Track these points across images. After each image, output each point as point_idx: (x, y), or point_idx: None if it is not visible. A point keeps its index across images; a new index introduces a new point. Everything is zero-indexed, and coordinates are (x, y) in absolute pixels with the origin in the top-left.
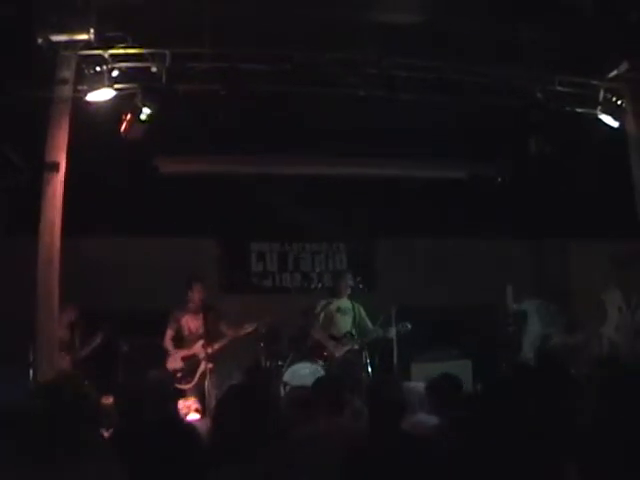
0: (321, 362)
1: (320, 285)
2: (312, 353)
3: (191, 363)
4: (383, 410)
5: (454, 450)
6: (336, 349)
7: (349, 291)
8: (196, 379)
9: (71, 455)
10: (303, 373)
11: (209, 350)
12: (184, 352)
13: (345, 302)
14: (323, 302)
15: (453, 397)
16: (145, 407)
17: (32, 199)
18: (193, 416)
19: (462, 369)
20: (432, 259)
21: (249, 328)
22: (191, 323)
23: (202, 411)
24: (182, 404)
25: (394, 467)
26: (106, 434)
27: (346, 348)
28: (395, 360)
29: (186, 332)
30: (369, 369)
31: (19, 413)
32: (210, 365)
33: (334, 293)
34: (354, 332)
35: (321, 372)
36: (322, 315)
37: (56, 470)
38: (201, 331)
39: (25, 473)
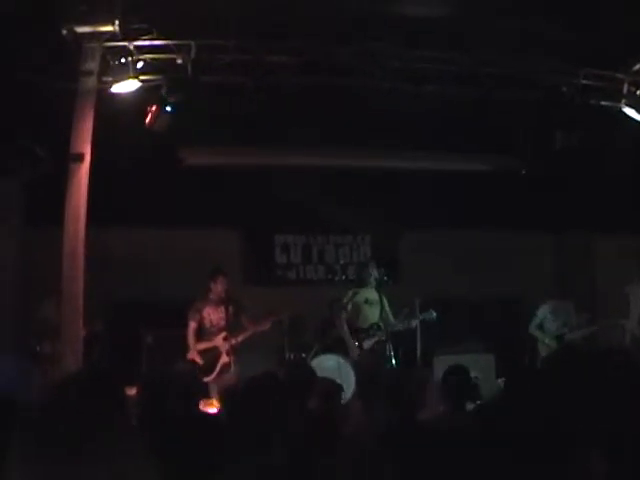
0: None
1: (344, 277)
2: (338, 345)
3: (211, 356)
4: (401, 402)
5: (472, 440)
6: (364, 341)
7: (375, 282)
8: (216, 372)
9: (102, 448)
10: (327, 365)
11: (232, 342)
12: (204, 344)
13: (372, 293)
14: (351, 292)
15: (464, 388)
16: (169, 400)
17: (54, 190)
18: (211, 410)
19: (485, 363)
20: (456, 252)
21: (270, 322)
22: (213, 315)
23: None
24: (203, 403)
25: (412, 459)
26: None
27: (374, 340)
28: (418, 352)
29: (207, 324)
30: (393, 361)
31: (44, 407)
32: (231, 358)
33: (360, 283)
34: (381, 324)
35: (346, 364)
36: (349, 306)
37: (88, 464)
38: (223, 323)
39: (55, 468)
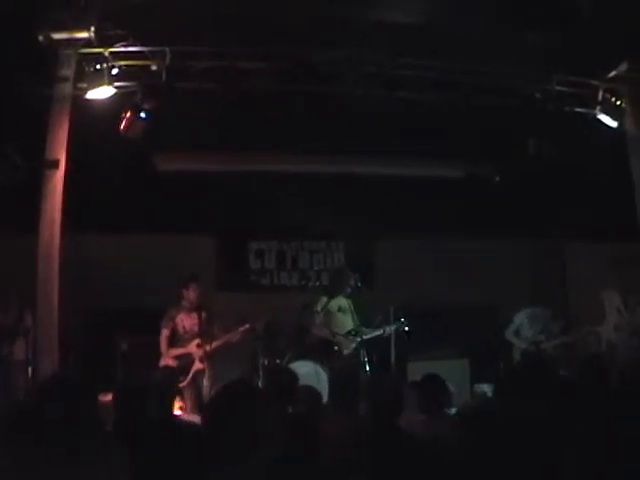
0: (322, 361)
1: (318, 283)
2: (313, 351)
3: (184, 362)
4: (381, 408)
5: (454, 446)
6: (344, 346)
7: (349, 290)
8: (189, 378)
9: (75, 454)
10: (302, 371)
11: (206, 349)
12: (178, 351)
13: (343, 300)
14: (324, 300)
15: (442, 395)
16: (147, 406)
17: (30, 196)
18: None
19: (459, 369)
20: (431, 258)
21: (241, 334)
22: (186, 322)
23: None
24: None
25: (392, 463)
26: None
27: (353, 345)
28: (392, 359)
29: (181, 330)
30: (367, 367)
31: (22, 412)
32: (204, 364)
33: (333, 291)
34: (356, 330)
35: (321, 371)
36: (322, 314)
37: (61, 469)
38: (196, 330)
39: (31, 472)
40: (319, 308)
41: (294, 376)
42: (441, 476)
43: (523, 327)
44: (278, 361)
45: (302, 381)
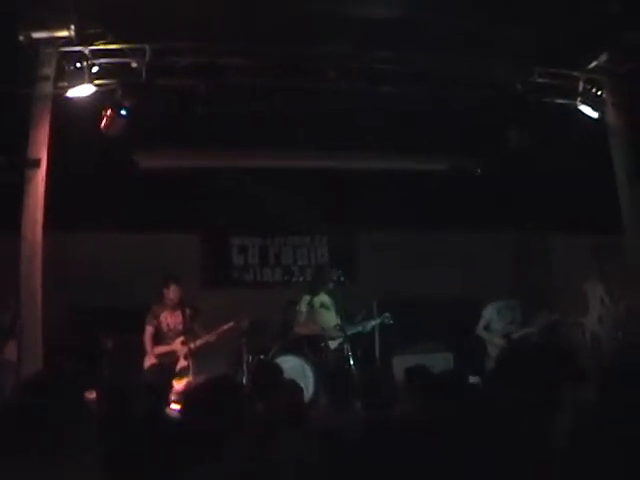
0: (307, 356)
1: (301, 279)
2: (298, 347)
3: (169, 359)
4: (365, 401)
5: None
6: (330, 342)
7: (331, 286)
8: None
9: (53, 452)
10: (287, 366)
11: (190, 346)
12: (162, 348)
13: (326, 297)
14: (307, 298)
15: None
16: (132, 404)
17: (10, 196)
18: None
19: (443, 362)
20: (414, 252)
21: (225, 329)
22: (170, 319)
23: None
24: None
25: (374, 456)
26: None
27: (338, 341)
28: (377, 352)
29: (165, 328)
30: (351, 361)
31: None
32: (188, 362)
33: (315, 289)
34: (341, 325)
35: (306, 366)
36: (306, 312)
37: (37, 467)
38: (180, 328)
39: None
40: (302, 307)
41: (278, 370)
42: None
43: (492, 321)
44: (262, 357)
45: (287, 376)
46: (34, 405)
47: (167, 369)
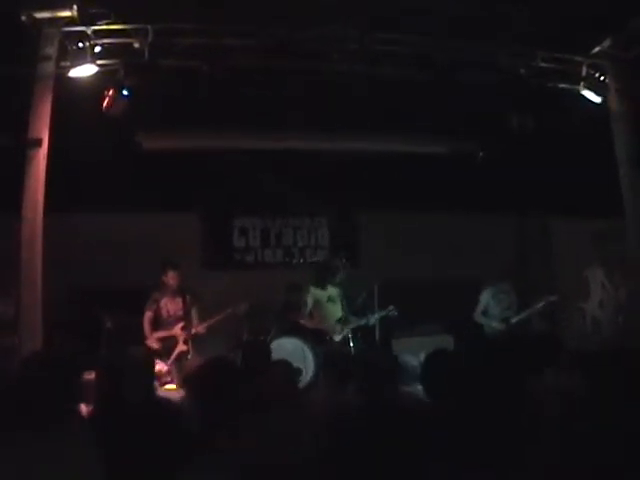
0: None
1: (302, 260)
2: (296, 328)
3: (168, 343)
4: (371, 381)
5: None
6: (334, 335)
7: (338, 279)
8: (172, 358)
9: (45, 430)
10: (286, 348)
11: (190, 332)
12: (162, 333)
13: (333, 290)
14: (313, 290)
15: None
16: (125, 386)
17: (11, 176)
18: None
19: (443, 344)
20: (414, 234)
21: (224, 315)
22: (170, 305)
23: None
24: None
25: (377, 436)
26: (87, 409)
27: (342, 334)
28: (377, 335)
29: (164, 314)
30: (351, 344)
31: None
32: (188, 346)
33: (323, 283)
34: (344, 319)
35: (306, 348)
36: (311, 304)
37: (26, 443)
38: (180, 313)
39: (9, 449)
40: (309, 300)
41: (267, 350)
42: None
43: (490, 306)
44: (262, 338)
45: (288, 358)
46: (33, 382)
47: (147, 351)
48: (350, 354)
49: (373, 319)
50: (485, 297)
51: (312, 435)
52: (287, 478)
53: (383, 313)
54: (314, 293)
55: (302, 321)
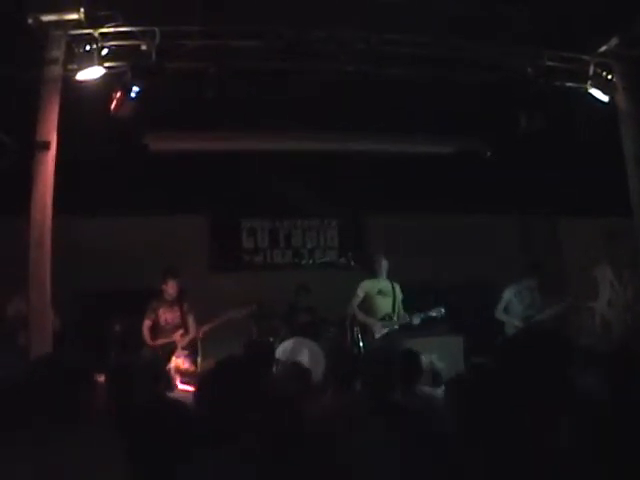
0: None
1: (311, 261)
2: (306, 329)
3: (167, 349)
4: (373, 381)
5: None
6: (377, 331)
7: (385, 273)
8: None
9: (65, 430)
10: (295, 349)
11: (190, 339)
12: (162, 340)
13: (385, 283)
14: (366, 282)
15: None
16: (134, 388)
17: (19, 179)
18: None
19: (454, 345)
20: (422, 235)
21: (220, 321)
22: (167, 315)
23: None
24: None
25: (378, 435)
26: (97, 411)
27: (385, 330)
28: None
29: (163, 323)
30: (360, 344)
31: (12, 389)
32: (187, 351)
33: (375, 275)
34: (393, 314)
35: (317, 348)
36: (362, 296)
37: (48, 444)
38: (178, 321)
39: (21, 448)
40: (360, 292)
41: (269, 353)
42: (438, 448)
43: (512, 304)
44: (272, 339)
45: (298, 358)
46: (43, 386)
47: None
48: (357, 356)
49: (418, 319)
50: (508, 294)
51: (322, 435)
52: (297, 478)
53: (433, 314)
54: (365, 284)
55: (354, 313)
